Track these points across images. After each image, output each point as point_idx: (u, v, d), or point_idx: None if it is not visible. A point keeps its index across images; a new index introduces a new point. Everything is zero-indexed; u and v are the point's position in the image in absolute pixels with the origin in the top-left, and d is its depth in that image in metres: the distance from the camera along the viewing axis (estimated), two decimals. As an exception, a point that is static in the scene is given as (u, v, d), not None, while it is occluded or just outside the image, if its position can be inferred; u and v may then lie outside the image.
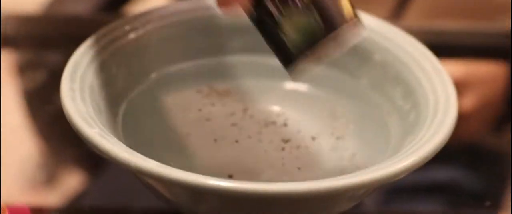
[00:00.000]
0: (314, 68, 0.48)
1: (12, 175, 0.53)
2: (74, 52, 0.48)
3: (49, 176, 0.54)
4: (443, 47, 0.52)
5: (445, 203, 0.56)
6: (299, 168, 0.48)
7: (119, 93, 0.49)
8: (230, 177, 0.47)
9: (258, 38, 0.50)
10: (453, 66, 0.53)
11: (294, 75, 0.45)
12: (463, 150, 0.59)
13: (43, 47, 0.66)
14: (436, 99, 0.47)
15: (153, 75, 0.52)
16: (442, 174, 0.57)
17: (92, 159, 0.56)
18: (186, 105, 0.51)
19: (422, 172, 0.53)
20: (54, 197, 0.53)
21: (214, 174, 0.41)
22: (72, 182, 0.53)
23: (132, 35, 0.50)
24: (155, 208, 0.51)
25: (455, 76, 0.50)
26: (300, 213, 0.44)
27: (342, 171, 0.47)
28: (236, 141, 0.49)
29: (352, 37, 0.44)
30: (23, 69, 0.63)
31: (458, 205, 0.56)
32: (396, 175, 0.42)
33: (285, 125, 0.51)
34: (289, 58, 0.44)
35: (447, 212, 0.56)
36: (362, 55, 0.52)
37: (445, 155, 0.54)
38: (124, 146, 0.43)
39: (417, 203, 0.56)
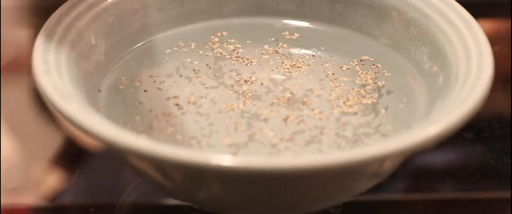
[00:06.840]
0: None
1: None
2: (47, 21, 0.43)
3: (24, 176, 0.49)
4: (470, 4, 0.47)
5: (472, 185, 0.51)
6: (307, 142, 0.42)
7: (101, 66, 0.45)
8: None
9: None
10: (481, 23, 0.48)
11: None
12: (493, 123, 0.53)
13: (8, 23, 0.61)
14: (468, 57, 0.42)
15: (140, 45, 0.47)
16: (468, 153, 0.52)
17: (71, 153, 0.51)
18: (178, 76, 0.46)
19: (446, 151, 0.50)
20: (32, 197, 0.48)
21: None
22: (51, 180, 0.48)
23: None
24: (142, 204, 0.47)
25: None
26: (314, 193, 0.39)
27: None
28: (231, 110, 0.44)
29: None
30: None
31: (488, 187, 0.50)
32: (425, 142, 0.37)
33: (290, 93, 0.45)
34: None
35: (476, 195, 0.50)
36: (379, 11, 0.47)
37: (472, 130, 0.50)
38: (109, 122, 0.38)
39: (442, 187, 0.50)
